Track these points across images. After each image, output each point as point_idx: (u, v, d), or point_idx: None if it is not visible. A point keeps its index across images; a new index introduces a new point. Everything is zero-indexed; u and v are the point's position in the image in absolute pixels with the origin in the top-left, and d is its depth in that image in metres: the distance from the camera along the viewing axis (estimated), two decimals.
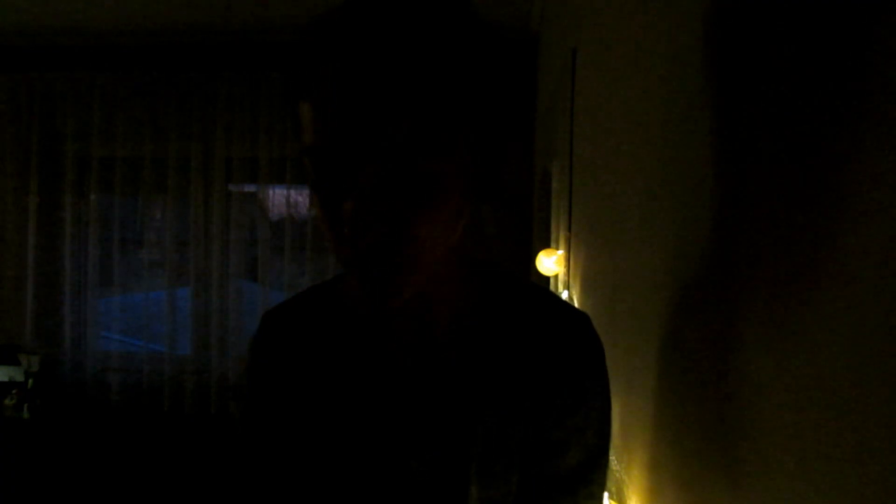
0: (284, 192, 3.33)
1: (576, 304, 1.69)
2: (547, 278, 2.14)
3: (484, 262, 0.72)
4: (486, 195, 0.62)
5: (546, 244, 2.27)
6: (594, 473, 0.67)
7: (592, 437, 0.67)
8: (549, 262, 1.88)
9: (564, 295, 1.75)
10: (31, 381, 3.25)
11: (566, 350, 0.66)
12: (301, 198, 3.32)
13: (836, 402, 0.40)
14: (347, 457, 0.67)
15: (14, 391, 3.24)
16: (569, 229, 1.79)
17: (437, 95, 0.53)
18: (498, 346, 0.67)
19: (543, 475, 0.66)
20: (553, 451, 0.66)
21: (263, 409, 0.73)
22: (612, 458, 1.10)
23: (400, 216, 0.54)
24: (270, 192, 3.37)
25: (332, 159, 0.54)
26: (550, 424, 0.66)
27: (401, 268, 0.56)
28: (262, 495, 0.72)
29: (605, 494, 1.03)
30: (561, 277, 1.90)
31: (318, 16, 0.57)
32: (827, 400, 0.42)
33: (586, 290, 1.53)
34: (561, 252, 1.88)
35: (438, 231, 0.57)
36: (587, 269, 1.52)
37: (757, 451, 0.52)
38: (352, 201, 0.53)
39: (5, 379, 3.29)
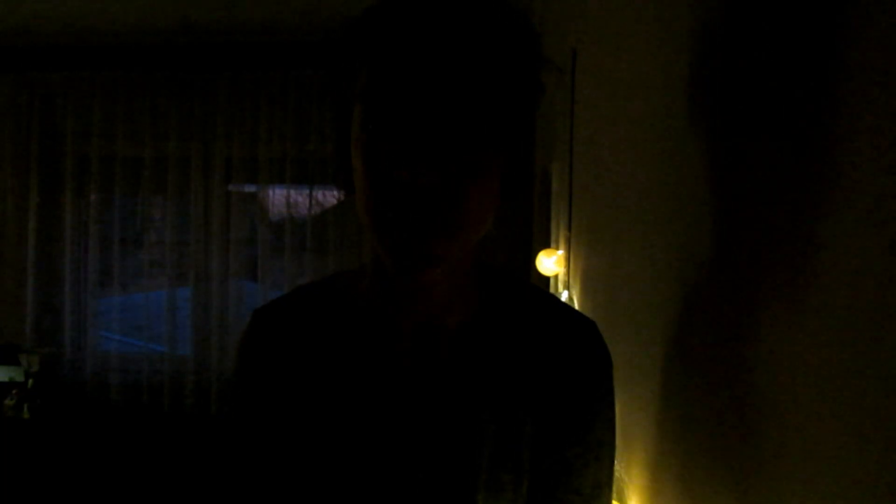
0: (284, 192, 3.32)
1: (576, 304, 1.69)
2: (547, 278, 2.14)
3: (493, 266, 0.71)
4: (515, 191, 0.63)
5: (546, 244, 2.27)
6: (607, 486, 0.68)
7: (606, 451, 0.67)
8: (549, 262, 1.88)
9: (564, 295, 1.75)
10: (31, 381, 3.25)
11: (577, 360, 0.66)
12: (301, 198, 3.31)
13: (839, 403, 0.40)
14: (348, 460, 0.65)
15: (14, 391, 3.24)
16: (569, 229, 1.79)
17: (485, 75, 0.55)
18: (506, 351, 0.66)
19: (561, 490, 0.66)
20: (570, 467, 0.65)
21: (256, 410, 0.70)
22: None
23: (452, 179, 0.55)
24: (270, 192, 3.36)
25: (394, 121, 0.55)
26: (568, 439, 0.65)
27: (441, 234, 0.56)
28: (257, 498, 0.69)
29: None
30: (561, 277, 1.90)
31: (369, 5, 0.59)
32: (829, 400, 0.42)
33: (586, 290, 1.53)
34: (561, 252, 1.88)
35: (479, 208, 0.57)
36: (587, 269, 1.52)
37: (758, 451, 0.52)
38: (414, 151, 0.53)
39: (5, 379, 3.28)
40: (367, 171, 0.57)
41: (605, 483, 0.67)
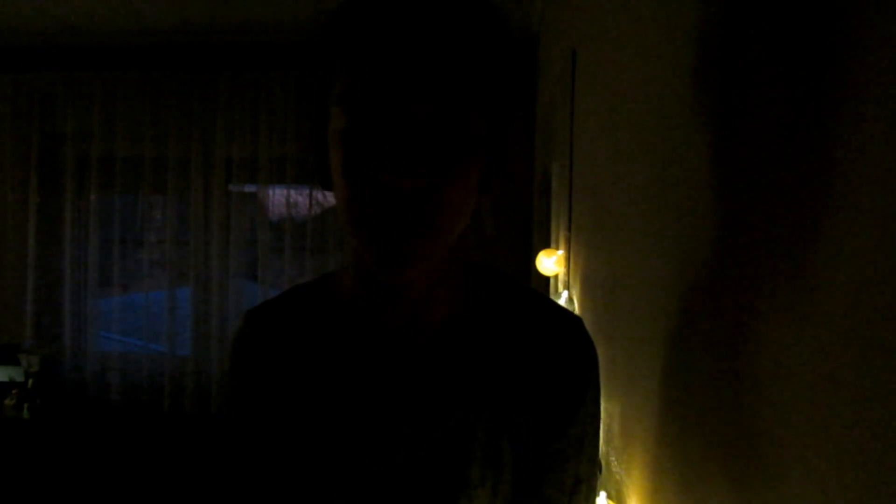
0: (284, 192, 3.33)
1: (576, 304, 1.69)
2: (547, 278, 2.14)
3: (480, 264, 0.72)
4: (493, 184, 0.63)
5: (546, 244, 2.27)
6: (586, 482, 0.68)
7: (588, 446, 0.67)
8: (549, 262, 1.88)
9: (564, 295, 1.75)
10: (31, 381, 3.25)
11: (561, 355, 0.66)
12: (301, 198, 3.32)
13: (840, 403, 0.40)
14: (339, 456, 0.66)
15: (14, 391, 3.24)
16: (569, 229, 1.79)
17: (463, 75, 0.55)
18: (491, 347, 0.67)
19: (543, 485, 0.66)
20: (552, 462, 0.66)
21: (249, 409, 0.71)
22: (612, 458, 1.10)
23: (433, 181, 0.55)
24: (270, 192, 3.36)
25: (375, 125, 0.55)
26: (549, 434, 0.66)
27: (421, 234, 0.56)
28: (250, 496, 0.70)
29: (604, 494, 1.03)
30: (561, 277, 1.90)
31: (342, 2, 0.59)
32: (830, 400, 0.42)
33: (586, 290, 1.53)
34: (561, 252, 1.88)
35: (457, 207, 0.58)
36: (587, 269, 1.52)
37: (759, 451, 0.52)
38: (397, 154, 0.53)
39: (5, 379, 3.28)
40: (348, 172, 0.57)
41: (584, 478, 0.68)
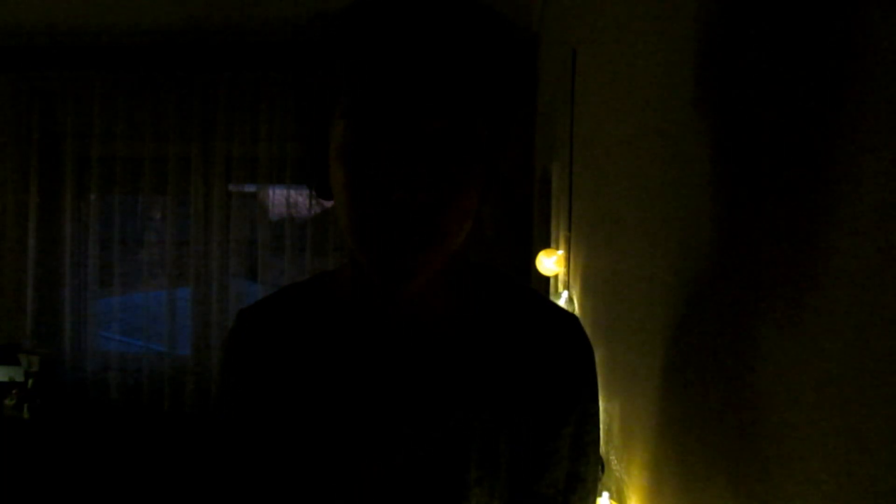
0: (284, 192, 3.33)
1: (576, 304, 1.69)
2: (547, 278, 2.14)
3: (480, 264, 0.72)
4: (492, 195, 0.64)
5: (546, 244, 2.27)
6: (590, 481, 0.68)
7: (588, 445, 0.67)
8: (549, 262, 1.88)
9: (564, 295, 1.75)
10: (31, 381, 3.25)
11: (557, 355, 0.66)
12: (301, 198, 3.32)
13: (839, 403, 0.40)
14: (339, 456, 0.66)
15: (14, 391, 3.24)
16: (569, 229, 1.79)
17: (470, 85, 0.55)
18: (487, 346, 0.67)
19: (537, 483, 0.66)
20: (547, 461, 0.66)
21: (243, 409, 0.70)
22: (612, 458, 1.10)
23: (442, 194, 0.55)
24: (270, 192, 3.37)
25: (385, 142, 0.55)
26: (546, 433, 0.66)
27: (425, 247, 0.56)
28: (249, 497, 0.69)
29: (606, 494, 1.03)
30: (561, 277, 1.90)
31: (342, 10, 0.58)
32: (829, 400, 0.42)
33: (586, 290, 1.53)
34: (561, 252, 1.88)
35: (461, 218, 0.58)
36: (587, 269, 1.52)
37: (758, 451, 0.52)
38: (408, 171, 0.53)
39: (5, 379, 3.28)
40: (355, 187, 0.56)
41: (586, 477, 0.67)
